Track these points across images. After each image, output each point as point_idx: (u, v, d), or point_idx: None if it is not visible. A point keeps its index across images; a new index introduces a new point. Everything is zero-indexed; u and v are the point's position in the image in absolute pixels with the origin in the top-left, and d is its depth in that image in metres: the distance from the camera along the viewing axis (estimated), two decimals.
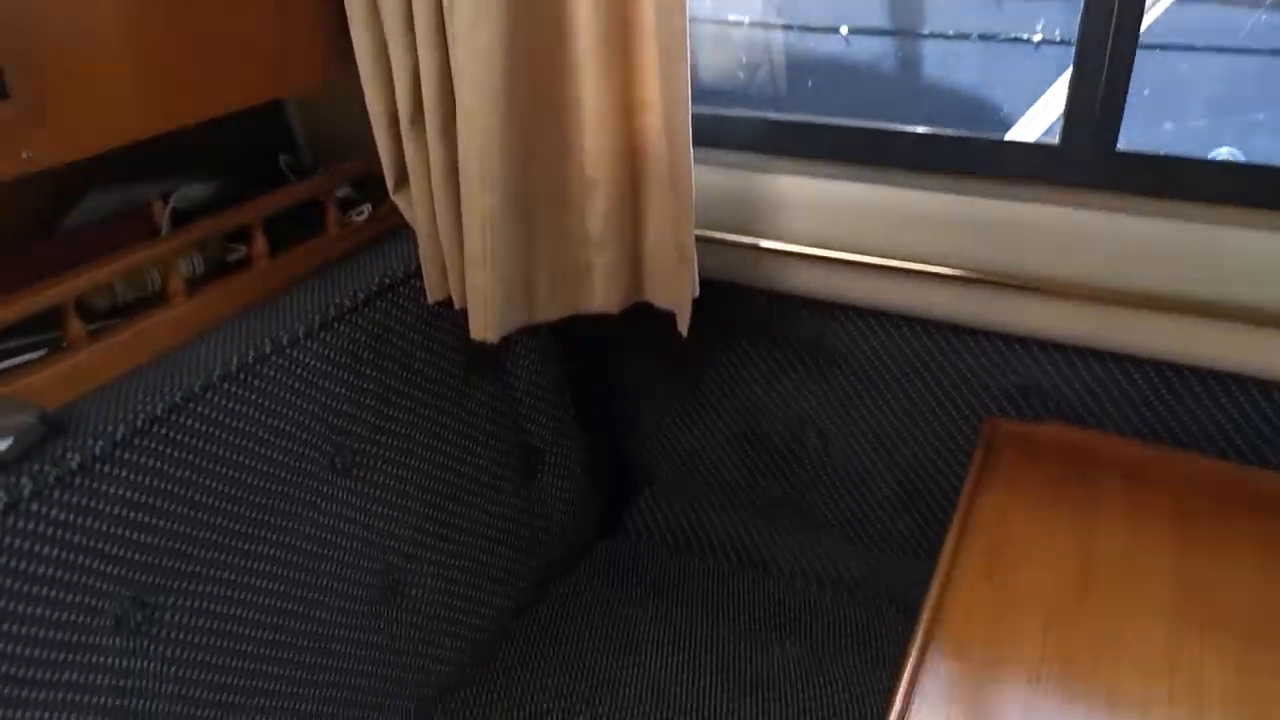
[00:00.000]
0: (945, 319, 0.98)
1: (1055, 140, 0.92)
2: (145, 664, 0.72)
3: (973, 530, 0.81)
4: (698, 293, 0.92)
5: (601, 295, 0.95)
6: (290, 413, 0.83)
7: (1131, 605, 0.73)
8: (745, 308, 1.10)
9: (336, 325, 0.88)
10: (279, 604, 0.82)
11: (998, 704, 0.66)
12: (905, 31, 2.09)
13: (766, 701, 0.95)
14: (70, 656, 0.68)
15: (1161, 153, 0.89)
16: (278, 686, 0.82)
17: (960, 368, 1.01)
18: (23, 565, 0.65)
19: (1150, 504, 0.83)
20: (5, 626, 0.64)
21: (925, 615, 0.72)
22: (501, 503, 1.05)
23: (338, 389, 0.88)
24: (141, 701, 0.72)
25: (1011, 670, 0.68)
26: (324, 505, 0.86)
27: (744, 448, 1.17)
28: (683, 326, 0.93)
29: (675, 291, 0.93)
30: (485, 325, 0.89)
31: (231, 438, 0.78)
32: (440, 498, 0.98)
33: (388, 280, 0.94)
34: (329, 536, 0.87)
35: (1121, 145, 0.90)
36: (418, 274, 0.97)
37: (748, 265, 1.04)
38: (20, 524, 0.65)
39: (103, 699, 0.70)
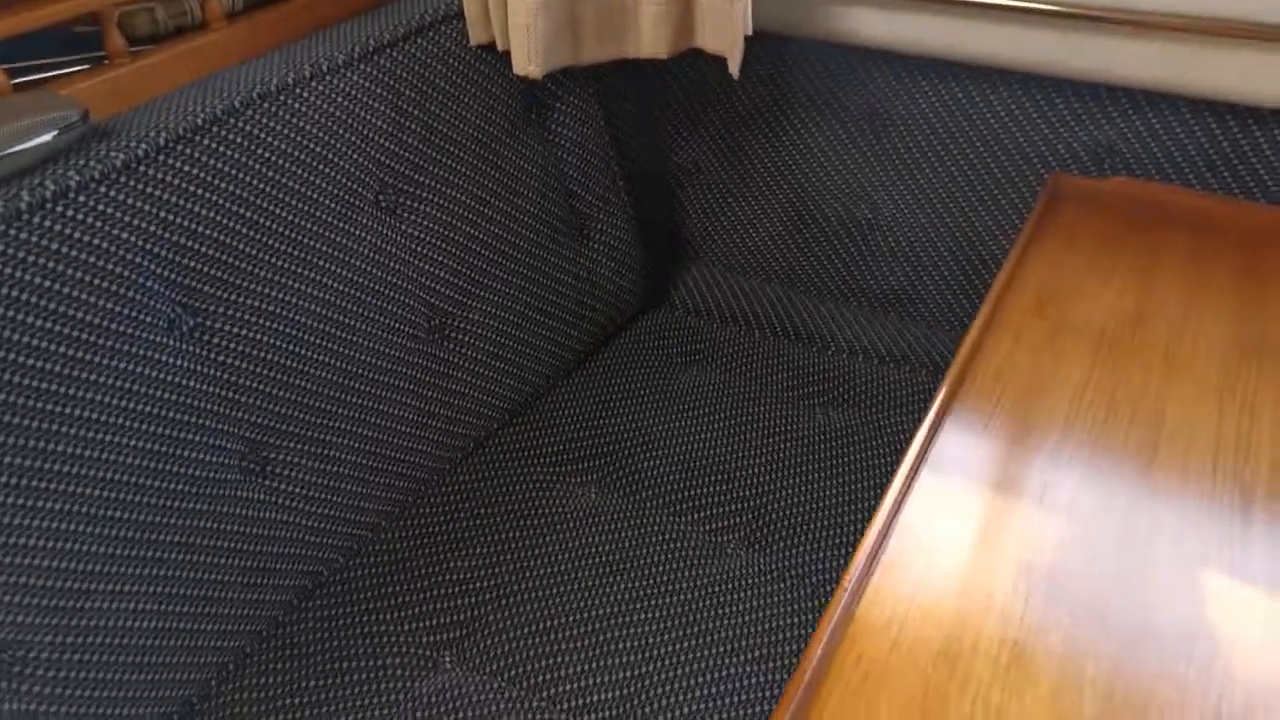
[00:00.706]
0: (1015, 66, 0.93)
1: None
2: (198, 368, 0.75)
3: (1024, 274, 0.79)
4: (750, 30, 0.88)
5: (650, 38, 0.91)
6: (332, 141, 0.83)
7: (1188, 339, 0.70)
8: (799, 66, 1.05)
9: (376, 58, 0.86)
10: (326, 330, 0.84)
11: (1037, 427, 0.65)
12: None
13: (807, 461, 0.96)
14: (125, 348, 0.70)
15: None
16: (324, 419, 0.85)
17: (1026, 127, 0.96)
18: (74, 253, 0.67)
19: (1217, 254, 0.79)
20: (63, 310, 0.66)
21: (966, 346, 0.71)
22: (548, 262, 1.05)
23: (380, 124, 0.86)
24: (192, 407, 0.75)
25: (1053, 400, 0.67)
26: (369, 240, 0.87)
27: (794, 223, 1.14)
28: (734, 68, 0.89)
29: (727, 30, 0.89)
30: (528, 58, 0.86)
31: (274, 158, 0.78)
32: (486, 247, 0.98)
33: (429, 18, 0.91)
34: (374, 271, 0.87)
35: None
36: (460, 16, 0.94)
37: (801, 9, 0.99)
38: (69, 212, 0.66)
39: (154, 398, 0.72)
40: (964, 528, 0.57)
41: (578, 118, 1.07)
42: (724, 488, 0.93)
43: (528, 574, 0.86)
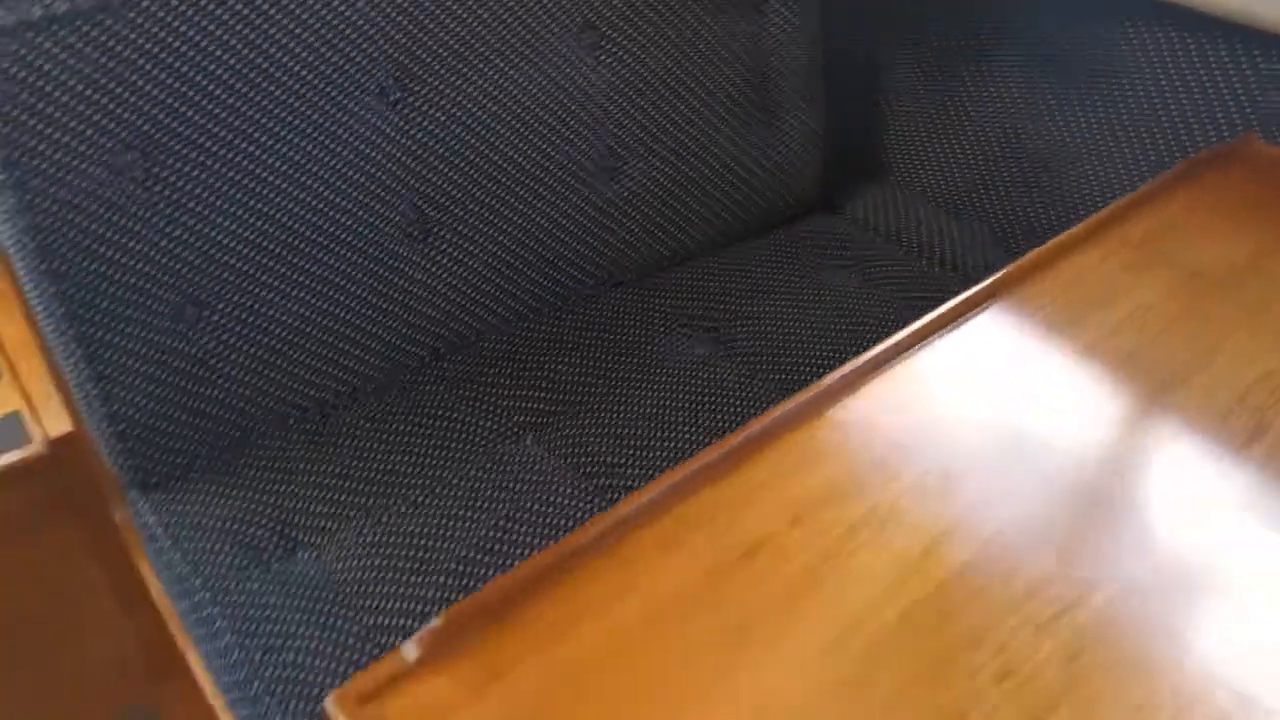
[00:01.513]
0: (1234, 18, 0.88)
1: None
2: (406, 140, 0.90)
3: (1148, 210, 0.77)
4: None
5: None
6: None
7: None
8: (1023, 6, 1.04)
9: None
10: (517, 129, 0.96)
11: (1078, 326, 0.65)
12: None
13: None
14: (337, 114, 0.86)
15: None
16: (494, 206, 0.98)
17: (1237, 83, 0.91)
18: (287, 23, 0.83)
19: None
20: (278, 76, 0.83)
21: (1049, 247, 0.72)
22: (728, 136, 1.12)
23: None
24: (402, 177, 0.90)
25: (1110, 312, 0.67)
26: (578, 70, 0.98)
27: (989, 160, 1.14)
28: None
29: None
30: None
31: None
32: (669, 104, 1.06)
33: None
34: (570, 105, 0.99)
35: None
36: None
37: None
38: None
39: (356, 152, 0.88)
40: (950, 391, 0.60)
41: (794, 3, 1.12)
42: None
43: (618, 395, 0.96)
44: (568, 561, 0.48)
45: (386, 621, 0.76)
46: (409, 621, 0.76)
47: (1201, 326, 0.65)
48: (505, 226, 0.99)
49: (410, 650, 0.44)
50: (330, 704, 0.43)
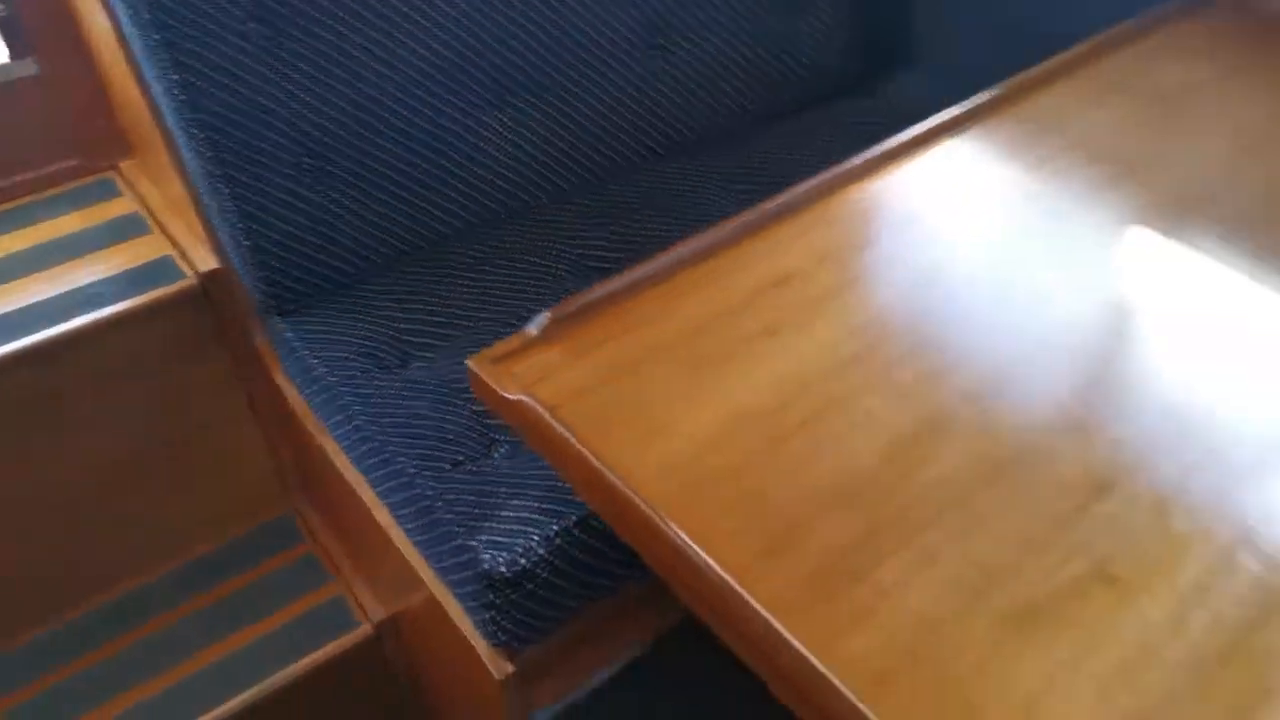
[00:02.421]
0: None
1: None
2: (485, 21, 1.06)
3: (1128, 50, 0.90)
4: None
5: None
6: None
7: (1251, 120, 0.80)
8: None
9: None
10: None
11: (1037, 141, 0.79)
12: None
13: None
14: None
15: None
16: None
17: None
18: None
19: None
20: None
21: (1020, 80, 0.85)
22: (770, 22, 1.26)
23: None
24: (483, 53, 1.06)
25: (1072, 129, 0.80)
26: None
27: (1015, 40, 1.27)
28: None
29: None
30: None
31: None
32: None
33: None
34: None
35: None
36: None
37: None
38: None
39: (452, 43, 1.04)
40: (934, 186, 0.75)
41: None
42: None
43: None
44: (640, 284, 0.64)
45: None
46: None
47: (1159, 139, 0.79)
48: (569, 98, 1.15)
49: (533, 328, 0.61)
50: (472, 363, 0.60)
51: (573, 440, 0.54)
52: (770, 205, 0.70)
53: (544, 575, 0.82)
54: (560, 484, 0.86)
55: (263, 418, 1.19)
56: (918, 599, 0.46)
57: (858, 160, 0.75)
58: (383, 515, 0.96)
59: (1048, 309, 0.63)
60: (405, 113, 1.05)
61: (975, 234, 0.69)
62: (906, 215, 0.71)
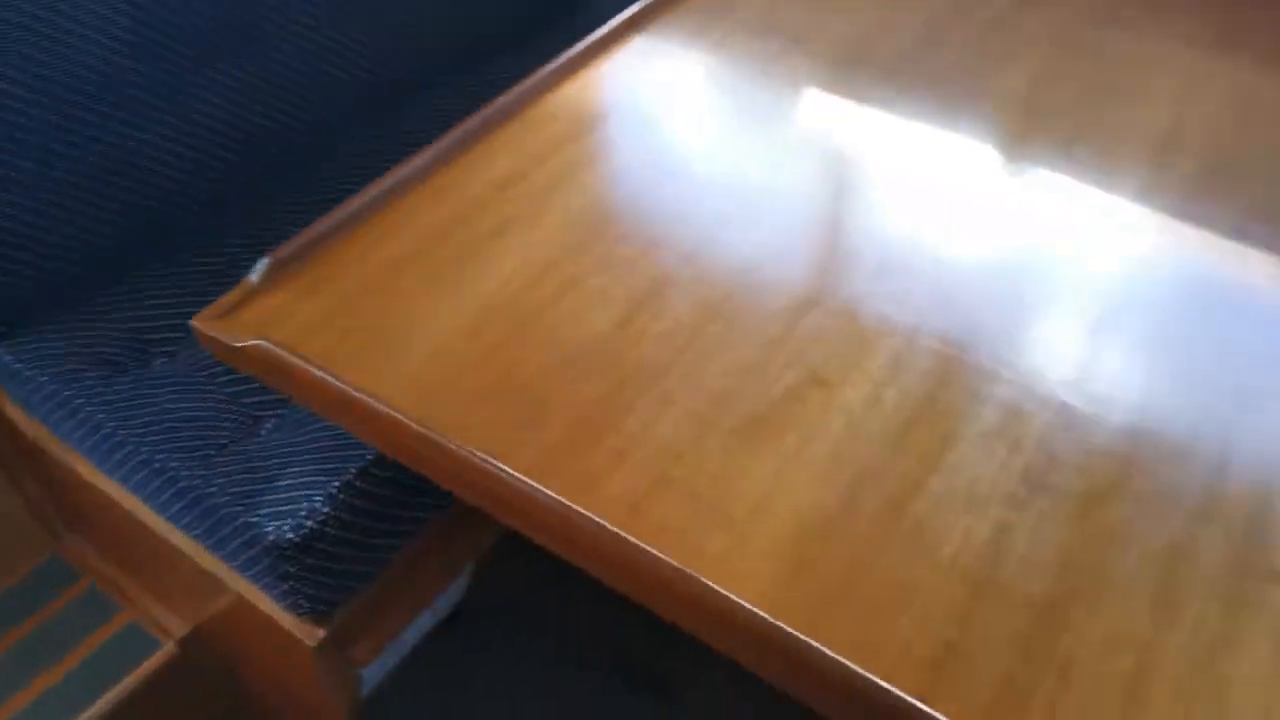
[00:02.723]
0: None
1: None
2: None
3: None
4: None
5: None
6: None
7: None
8: None
9: None
10: None
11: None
12: None
13: None
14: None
15: None
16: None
17: None
18: None
19: None
20: None
21: None
22: None
23: None
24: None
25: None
26: None
27: None
28: None
29: None
30: None
31: None
32: None
33: None
34: None
35: None
36: None
37: None
38: None
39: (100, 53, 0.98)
40: (633, 76, 0.80)
41: None
42: None
43: None
44: (363, 211, 0.65)
45: (246, 389, 0.91)
46: None
47: (810, 3, 0.86)
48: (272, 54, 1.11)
49: (254, 276, 0.60)
50: (196, 322, 0.59)
51: (312, 369, 0.54)
52: (477, 119, 0.72)
53: (334, 532, 0.81)
54: (334, 441, 0.85)
55: (2, 458, 1.10)
56: (661, 436, 0.50)
57: (556, 64, 0.78)
58: (156, 521, 0.92)
59: (745, 170, 0.68)
60: (89, 100, 0.98)
61: (674, 115, 0.74)
62: (609, 107, 0.75)
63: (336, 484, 0.82)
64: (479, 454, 0.50)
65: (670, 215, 0.65)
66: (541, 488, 0.48)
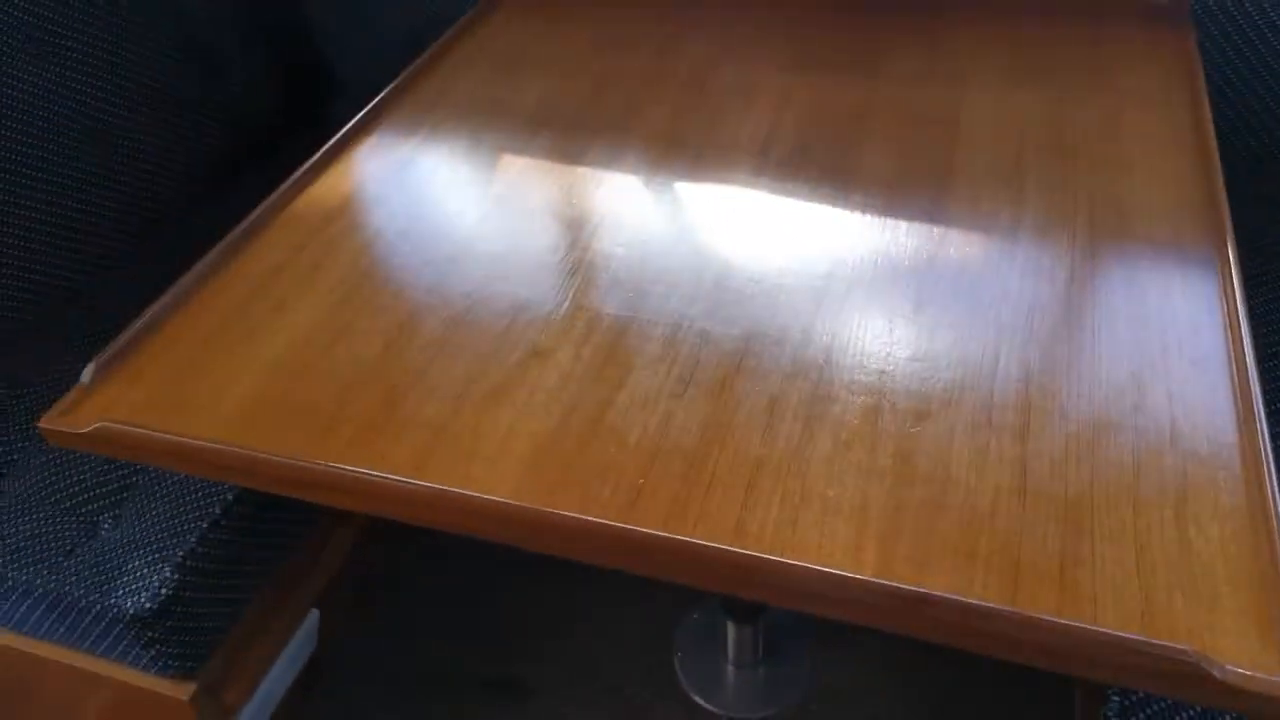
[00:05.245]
0: None
1: None
2: None
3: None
4: None
5: None
6: None
7: None
8: None
9: None
10: None
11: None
12: None
13: None
14: None
15: None
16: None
17: None
18: None
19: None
20: None
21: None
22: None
23: None
24: None
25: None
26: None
27: None
28: None
29: None
30: None
31: None
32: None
33: None
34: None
35: None
36: None
37: None
38: None
39: None
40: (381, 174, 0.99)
41: None
42: None
43: None
44: (163, 312, 0.80)
45: (79, 502, 1.02)
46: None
47: (502, 88, 1.09)
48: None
49: (85, 379, 0.75)
50: (43, 424, 0.73)
51: (152, 433, 0.70)
52: (243, 226, 0.89)
53: (188, 594, 0.94)
54: (170, 523, 0.98)
55: None
56: (430, 413, 0.69)
57: (301, 171, 0.96)
58: (13, 639, 1.00)
59: (465, 217, 0.89)
60: None
61: (401, 191, 0.94)
62: (348, 198, 0.94)
63: (180, 553, 0.95)
64: (289, 459, 0.67)
65: (411, 264, 0.85)
66: (346, 467, 0.65)
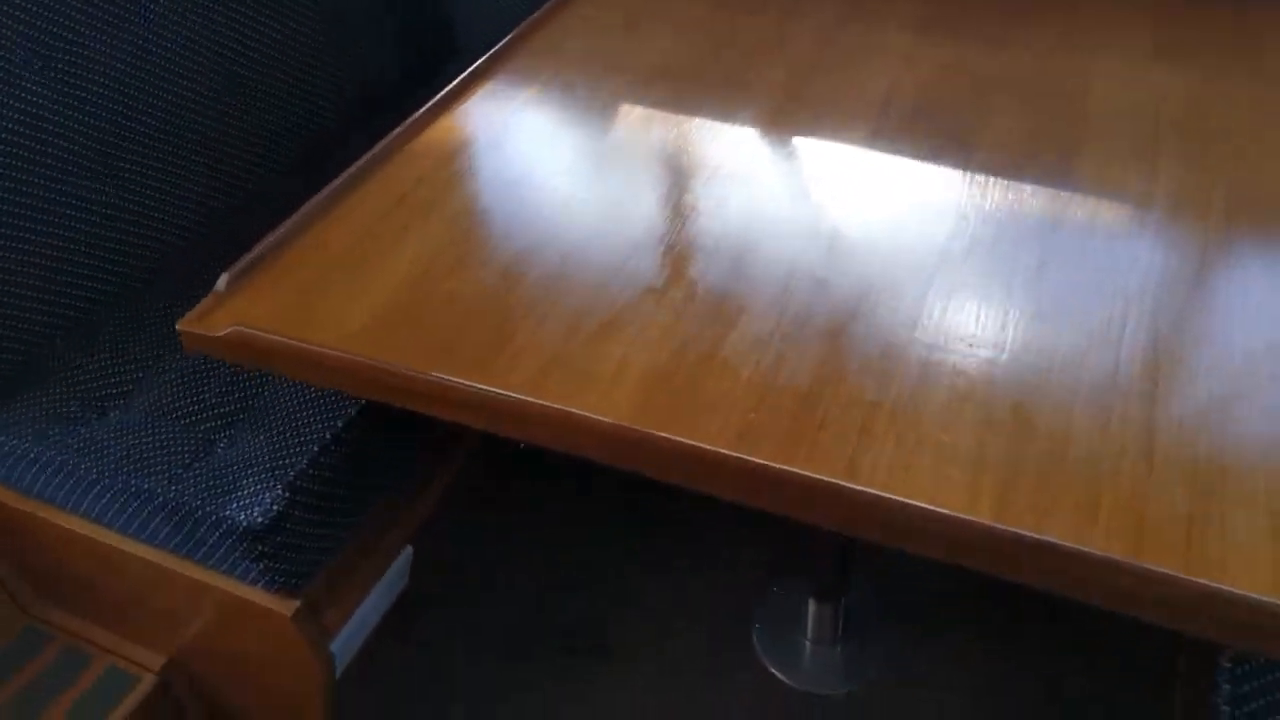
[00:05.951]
0: None
1: None
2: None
3: None
4: None
5: None
6: None
7: None
8: None
9: None
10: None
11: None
12: None
13: None
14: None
15: None
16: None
17: None
18: None
19: None
20: None
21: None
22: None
23: None
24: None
25: None
26: None
27: None
28: None
29: None
30: None
31: None
32: None
33: None
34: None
35: None
36: None
37: None
38: None
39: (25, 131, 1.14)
40: (519, 100, 1.01)
41: None
42: None
43: None
44: (294, 230, 0.84)
45: (196, 420, 1.07)
46: (209, 422, 1.08)
47: (620, 41, 1.10)
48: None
49: (220, 286, 0.78)
50: (181, 325, 0.76)
51: (285, 340, 0.73)
52: (367, 157, 0.92)
53: (298, 513, 0.98)
54: (282, 445, 1.02)
55: None
56: (544, 341, 0.71)
57: (422, 111, 0.99)
58: (133, 545, 1.06)
59: (582, 164, 0.90)
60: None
61: (519, 137, 0.96)
62: (467, 140, 0.96)
63: (292, 474, 0.98)
64: (416, 371, 0.69)
65: (526, 206, 0.86)
66: (469, 382, 0.67)
